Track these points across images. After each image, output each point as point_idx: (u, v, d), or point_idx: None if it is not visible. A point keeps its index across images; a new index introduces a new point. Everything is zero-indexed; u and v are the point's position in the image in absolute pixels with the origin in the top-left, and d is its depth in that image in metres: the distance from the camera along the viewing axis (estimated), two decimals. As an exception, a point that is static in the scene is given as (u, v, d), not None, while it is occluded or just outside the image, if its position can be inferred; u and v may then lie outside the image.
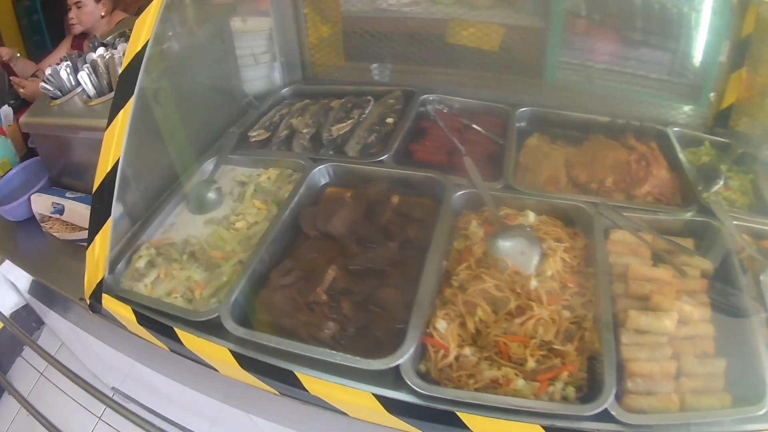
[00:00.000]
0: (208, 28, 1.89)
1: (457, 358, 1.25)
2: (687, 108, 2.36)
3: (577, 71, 2.51)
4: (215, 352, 1.29)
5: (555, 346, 1.29)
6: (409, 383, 1.17)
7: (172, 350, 1.36)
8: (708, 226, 1.67)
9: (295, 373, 1.23)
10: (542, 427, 1.15)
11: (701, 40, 2.40)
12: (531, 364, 1.25)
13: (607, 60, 2.47)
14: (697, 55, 2.35)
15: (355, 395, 1.19)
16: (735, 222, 1.71)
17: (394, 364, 1.18)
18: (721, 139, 2.17)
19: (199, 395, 1.57)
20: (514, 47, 2.38)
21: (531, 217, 1.51)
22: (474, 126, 1.82)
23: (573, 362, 1.27)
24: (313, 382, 1.22)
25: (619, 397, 1.22)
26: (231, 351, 1.28)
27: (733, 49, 2.19)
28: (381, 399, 1.17)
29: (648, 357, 1.35)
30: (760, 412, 1.22)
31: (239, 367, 1.27)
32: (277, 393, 1.27)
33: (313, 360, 1.23)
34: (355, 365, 1.20)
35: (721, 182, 1.93)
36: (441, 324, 1.27)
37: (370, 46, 2.12)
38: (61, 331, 2.25)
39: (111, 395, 1.96)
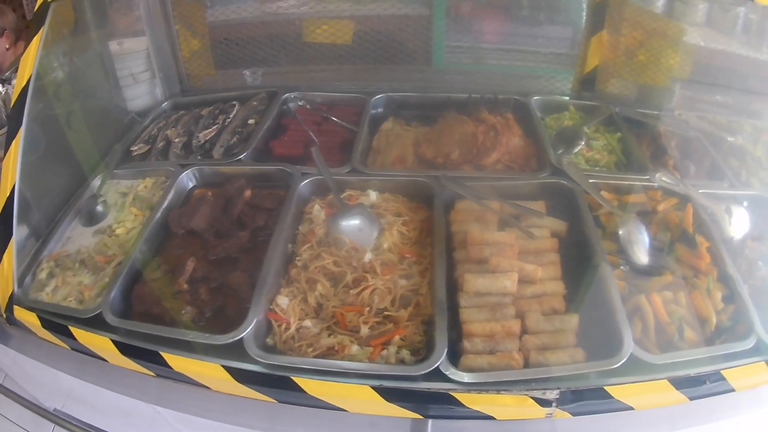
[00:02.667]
0: (88, 55, 1.97)
1: (298, 329, 1.34)
2: (560, 76, 2.40)
3: (465, 54, 2.60)
4: (100, 343, 1.39)
5: (389, 313, 1.36)
6: (250, 354, 1.26)
7: (72, 348, 1.45)
8: (561, 187, 1.72)
9: (161, 353, 1.32)
10: (372, 387, 1.21)
11: (568, 9, 2.52)
12: (364, 330, 1.32)
13: (494, 39, 2.56)
14: (566, 23, 2.45)
15: (208, 368, 1.29)
16: (592, 180, 1.77)
17: (237, 338, 1.28)
18: (589, 103, 2.24)
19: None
20: (400, 36, 2.43)
21: (372, 196, 1.61)
22: (332, 117, 1.93)
23: (406, 327, 1.33)
24: (175, 359, 1.31)
25: (457, 357, 1.27)
26: (112, 341, 1.37)
27: (591, 13, 2.24)
28: (229, 369, 1.27)
29: (488, 318, 1.37)
30: (615, 366, 1.27)
31: (120, 354, 1.36)
32: (153, 375, 1.36)
33: (174, 341, 1.34)
34: (205, 341, 1.31)
35: (582, 143, 2.01)
36: (283, 300, 1.38)
37: (237, 54, 2.23)
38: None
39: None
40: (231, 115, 1.92)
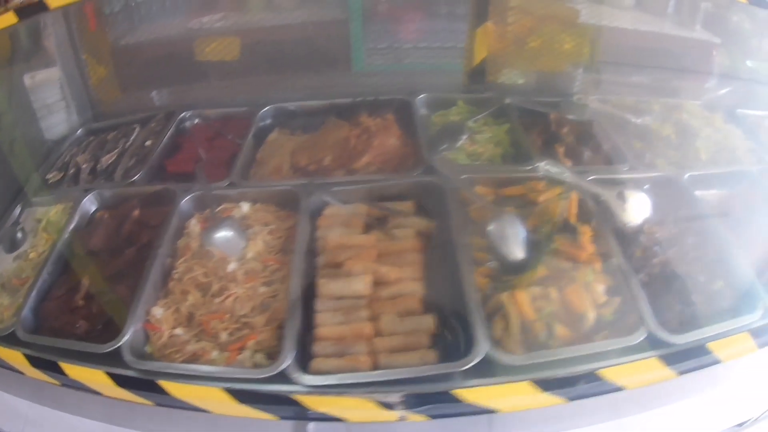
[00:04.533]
0: (4, 90, 2.10)
1: (170, 337, 1.47)
2: (454, 70, 2.43)
3: (385, 55, 2.60)
4: (14, 357, 1.50)
5: (247, 319, 1.47)
6: (125, 361, 1.39)
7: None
8: (431, 185, 1.75)
9: (59, 363, 1.43)
10: (223, 389, 1.29)
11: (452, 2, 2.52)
12: (223, 336, 1.44)
13: (413, 38, 2.58)
14: (453, 16, 2.48)
15: (95, 374, 1.40)
16: (467, 175, 1.78)
17: (116, 347, 1.41)
18: (482, 95, 2.24)
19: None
20: (320, 43, 2.52)
21: (245, 207, 1.73)
22: (223, 133, 2.05)
23: (260, 332, 1.43)
24: (71, 369, 1.42)
25: (307, 361, 1.34)
26: (24, 354, 1.49)
27: (474, 4, 2.25)
28: (111, 375, 1.39)
29: (340, 321, 1.40)
30: (464, 368, 1.28)
31: (31, 367, 1.48)
32: (58, 383, 1.48)
33: (68, 351, 1.45)
34: (89, 350, 1.42)
35: (464, 138, 2.02)
36: (158, 311, 1.51)
37: (139, 77, 2.34)
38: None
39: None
40: (131, 138, 2.06)
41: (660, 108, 2.32)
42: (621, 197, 1.70)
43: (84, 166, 2.01)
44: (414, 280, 1.48)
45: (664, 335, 1.36)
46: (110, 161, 2.00)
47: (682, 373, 1.33)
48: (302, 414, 1.29)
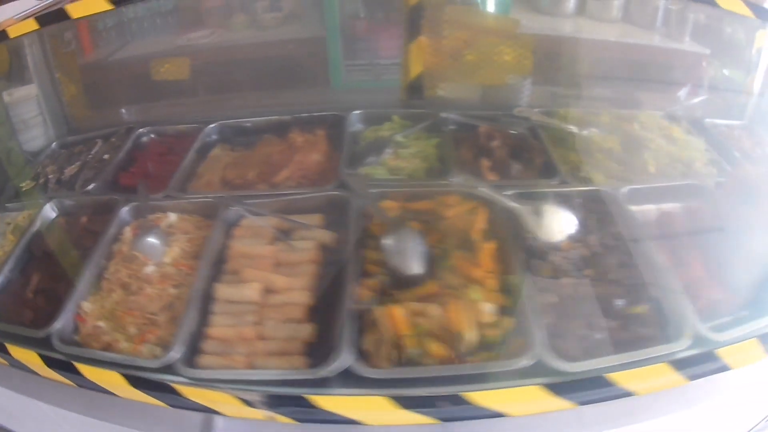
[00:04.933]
0: None
1: (94, 328, 1.68)
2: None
3: (364, 72, 2.71)
4: None
5: (154, 316, 1.63)
6: (54, 345, 1.59)
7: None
8: (340, 199, 1.84)
9: (5, 344, 1.62)
10: (122, 375, 1.43)
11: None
12: (132, 329, 1.62)
13: (392, 54, 2.64)
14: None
15: (31, 356, 1.58)
16: (378, 190, 1.86)
17: (47, 334, 1.62)
18: (418, 110, 2.29)
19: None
20: (301, 60, 2.64)
21: (172, 217, 1.92)
22: (173, 148, 2.27)
23: (162, 328, 1.58)
24: (14, 350, 1.61)
25: (194, 356, 1.47)
26: None
27: (407, 19, 2.30)
28: (42, 357, 1.57)
29: (230, 323, 1.52)
30: (320, 376, 1.34)
31: None
32: (6, 363, 1.65)
33: (18, 337, 1.65)
34: (27, 334, 1.62)
35: (388, 152, 2.08)
36: (87, 305, 1.73)
37: (106, 95, 2.55)
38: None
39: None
40: (93, 152, 2.31)
41: (609, 119, 2.28)
42: (537, 213, 1.67)
43: (51, 176, 2.26)
44: (302, 290, 1.59)
45: (556, 362, 1.31)
46: (72, 173, 2.24)
47: (584, 403, 1.26)
48: (183, 403, 1.39)
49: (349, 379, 1.34)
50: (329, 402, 1.29)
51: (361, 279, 1.57)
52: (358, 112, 2.30)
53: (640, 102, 2.60)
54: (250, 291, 1.59)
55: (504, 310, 1.46)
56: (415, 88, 2.40)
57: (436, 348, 1.38)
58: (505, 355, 1.36)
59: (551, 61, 2.85)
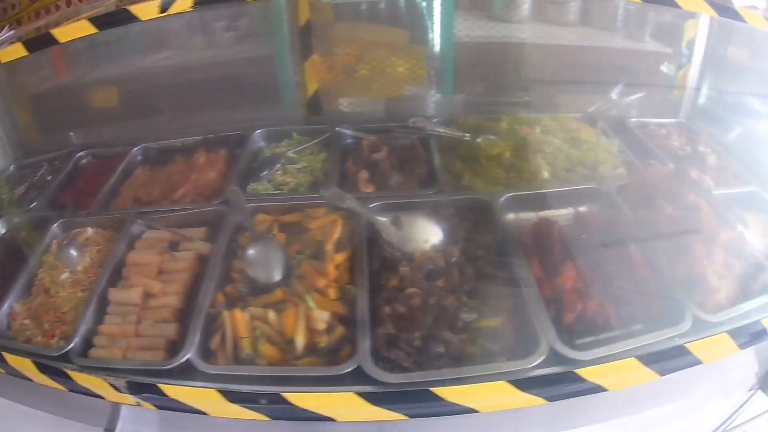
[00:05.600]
0: None
1: (21, 325, 2.01)
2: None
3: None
4: None
5: (63, 315, 1.90)
6: None
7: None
8: (220, 214, 2.04)
9: None
10: (32, 361, 1.66)
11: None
12: (46, 326, 1.86)
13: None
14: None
15: None
16: (253, 204, 2.01)
17: None
18: (317, 126, 2.45)
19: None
20: (252, 77, 2.69)
21: (89, 231, 2.25)
22: (106, 170, 2.55)
23: (68, 325, 1.84)
24: None
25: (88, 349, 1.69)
26: None
27: (299, 39, 2.42)
28: None
29: (117, 321, 1.75)
30: (167, 367, 1.51)
31: None
32: None
33: None
34: None
35: (276, 167, 2.26)
36: (17, 307, 2.07)
37: (52, 121, 2.74)
38: None
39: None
40: (39, 174, 2.66)
41: (508, 125, 2.34)
42: (396, 223, 1.73)
43: (4, 196, 2.64)
44: (174, 295, 1.82)
45: (375, 371, 1.36)
46: (20, 192, 2.61)
47: (412, 416, 1.29)
48: (75, 387, 1.61)
49: (194, 373, 1.53)
50: (172, 391, 1.47)
51: (223, 286, 1.78)
52: (260, 130, 2.49)
53: (558, 105, 2.70)
54: (133, 294, 1.84)
55: (339, 319, 1.56)
56: (313, 105, 2.57)
57: (267, 350, 1.55)
58: (329, 361, 1.45)
59: (473, 69, 3.00)
